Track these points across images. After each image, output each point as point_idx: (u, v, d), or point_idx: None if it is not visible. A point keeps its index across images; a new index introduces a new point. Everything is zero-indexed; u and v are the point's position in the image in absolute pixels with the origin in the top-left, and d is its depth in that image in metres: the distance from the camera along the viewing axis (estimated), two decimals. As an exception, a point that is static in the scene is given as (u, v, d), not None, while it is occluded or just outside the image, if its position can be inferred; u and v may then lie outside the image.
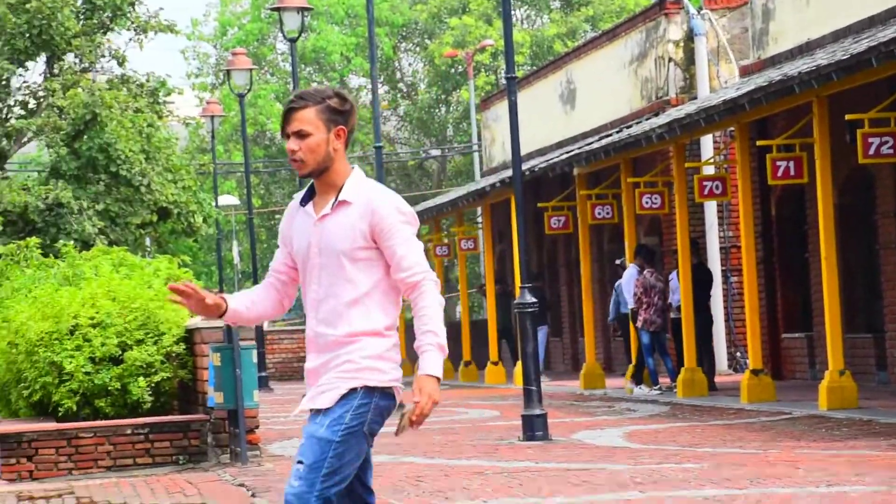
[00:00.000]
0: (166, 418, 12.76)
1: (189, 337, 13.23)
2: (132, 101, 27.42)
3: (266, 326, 31.58)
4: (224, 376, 12.06)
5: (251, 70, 27.37)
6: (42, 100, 27.81)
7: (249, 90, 27.91)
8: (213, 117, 33.70)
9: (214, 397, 12.17)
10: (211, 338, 12.55)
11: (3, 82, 27.47)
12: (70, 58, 28.26)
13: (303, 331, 30.22)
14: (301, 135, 4.87)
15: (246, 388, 12.06)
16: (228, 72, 27.50)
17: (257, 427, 12.57)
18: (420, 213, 30.60)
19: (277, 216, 47.94)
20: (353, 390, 4.81)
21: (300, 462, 4.77)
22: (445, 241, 30.71)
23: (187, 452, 12.45)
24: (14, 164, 30.17)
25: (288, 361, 32.17)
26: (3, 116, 28.00)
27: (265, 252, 46.03)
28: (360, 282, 4.88)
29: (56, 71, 28.03)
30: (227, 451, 12.48)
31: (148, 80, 28.93)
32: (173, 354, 13.12)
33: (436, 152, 47.37)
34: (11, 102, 28.15)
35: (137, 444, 12.39)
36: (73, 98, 26.19)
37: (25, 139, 28.86)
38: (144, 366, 12.83)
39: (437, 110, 47.79)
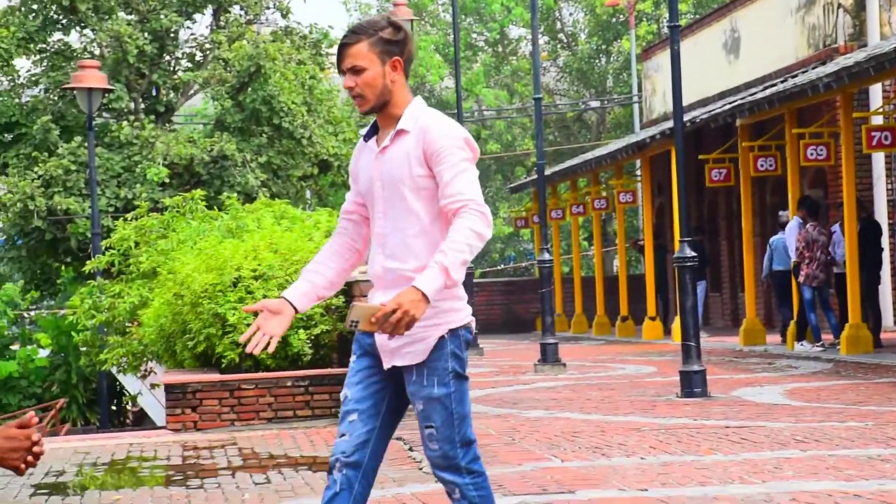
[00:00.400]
0: (325, 371, 12.90)
1: (348, 289, 13.34)
2: (295, 53, 27.70)
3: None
4: (380, 329, 12.12)
5: (412, 21, 27.38)
6: (208, 52, 28.24)
7: (409, 42, 27.93)
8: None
9: (371, 350, 12.25)
10: (369, 290, 12.62)
11: (172, 35, 27.95)
12: (236, 10, 28.64)
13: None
14: (356, 70, 4.73)
15: (403, 342, 12.12)
16: (388, 24, 27.55)
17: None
18: (579, 166, 30.39)
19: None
20: (441, 338, 4.68)
21: (429, 426, 4.67)
22: (604, 194, 30.48)
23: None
24: (180, 117, 30.71)
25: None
26: (171, 69, 28.51)
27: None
28: (422, 212, 4.73)
29: (222, 23, 28.43)
30: (384, 404, 12.57)
31: (311, 32, 29.19)
32: (332, 307, 13.25)
33: (595, 104, 47.00)
34: (179, 55, 28.64)
35: (297, 396, 12.55)
36: (238, 50, 26.53)
37: (192, 92, 29.37)
38: (304, 318, 12.98)
39: (597, 61, 47.39)
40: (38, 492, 8.92)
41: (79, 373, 24.24)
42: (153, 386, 19.11)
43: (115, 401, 24.39)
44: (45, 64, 27.88)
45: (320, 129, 27.26)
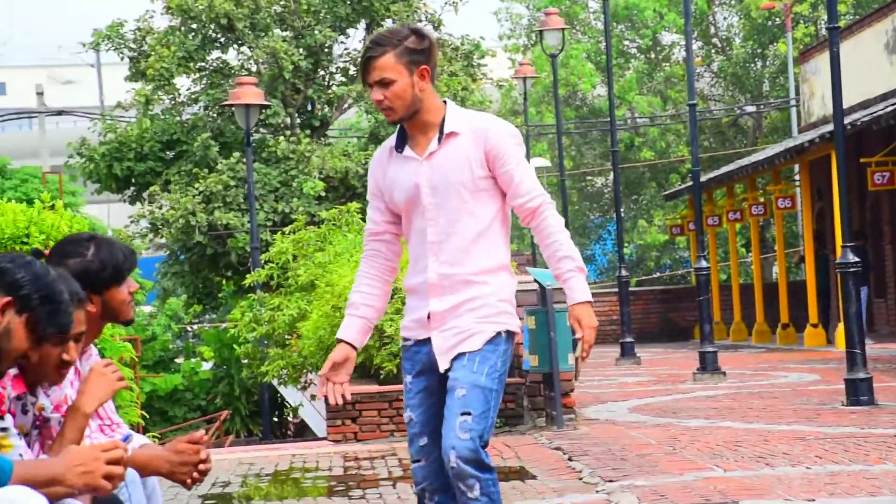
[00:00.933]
0: (483, 380, 12.90)
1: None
2: (447, 65, 27.83)
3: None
4: (538, 339, 12.09)
5: (563, 30, 27.31)
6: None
7: (562, 50, 27.88)
8: (525, 79, 33.86)
9: (529, 360, 12.22)
10: (525, 301, 12.60)
11: (326, 50, 28.29)
12: (388, 23, 28.87)
13: (614, 293, 30.05)
14: (384, 83, 4.63)
15: (561, 352, 12.06)
16: (541, 32, 27.51)
17: (572, 390, 12.57)
18: (735, 172, 29.99)
19: (589, 178, 47.91)
20: (497, 334, 4.65)
21: (466, 413, 4.57)
22: (761, 199, 30.02)
23: (503, 415, 12.56)
24: (335, 131, 31.06)
25: (600, 325, 32.05)
26: (325, 83, 28.86)
27: (576, 214, 46.08)
28: (481, 214, 4.68)
29: (374, 38, 28.68)
30: (542, 415, 12.53)
31: (462, 44, 29.28)
32: (489, 317, 13.25)
33: (751, 108, 46.35)
34: (333, 69, 28.97)
35: (455, 405, 12.55)
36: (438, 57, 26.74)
37: (346, 105, 29.68)
38: (461, 329, 12.99)
39: (752, 65, 46.75)
40: (206, 502, 9.07)
41: (241, 385, 24.64)
42: (313, 397, 19.32)
43: (276, 412, 24.73)
44: (204, 82, 28.42)
45: (473, 141, 27.32)
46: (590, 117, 46.22)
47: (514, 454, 10.69)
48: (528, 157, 33.02)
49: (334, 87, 28.54)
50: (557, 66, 29.80)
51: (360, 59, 4.76)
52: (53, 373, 4.13)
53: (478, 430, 4.57)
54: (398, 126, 4.76)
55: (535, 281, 12.39)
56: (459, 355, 4.62)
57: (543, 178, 42.58)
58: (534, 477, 9.37)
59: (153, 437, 13.88)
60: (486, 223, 4.68)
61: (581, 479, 9.06)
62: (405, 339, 4.80)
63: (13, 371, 4.13)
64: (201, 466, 4.56)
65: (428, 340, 4.71)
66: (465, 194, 4.65)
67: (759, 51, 46.68)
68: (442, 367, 4.66)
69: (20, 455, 4.06)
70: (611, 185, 45.02)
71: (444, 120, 4.68)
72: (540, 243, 4.73)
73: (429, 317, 4.70)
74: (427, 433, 4.72)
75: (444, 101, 4.73)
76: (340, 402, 4.78)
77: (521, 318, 12.35)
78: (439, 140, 4.67)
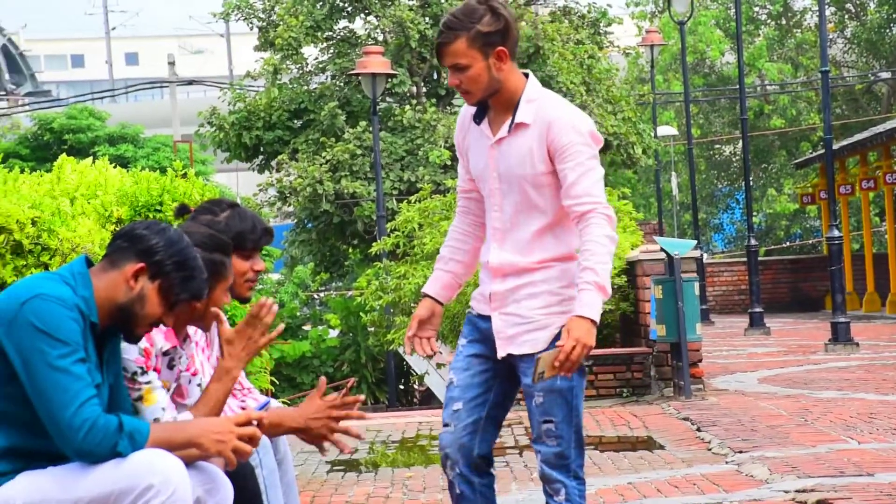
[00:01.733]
0: (609, 351, 12.82)
1: (630, 269, 13.22)
2: (574, 33, 27.62)
3: (706, 259, 31.27)
4: (666, 309, 11.98)
5: (691, -3, 26.96)
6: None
7: (690, 17, 27.53)
8: (652, 46, 33.52)
9: (657, 330, 12.12)
10: (653, 270, 12.49)
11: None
12: (514, -9, 28.75)
13: (742, 262, 29.66)
14: (458, 68, 4.42)
15: (688, 321, 11.94)
16: None
17: (700, 361, 12.44)
18: (869, 139, 29.41)
19: (717, 146, 47.30)
20: (563, 326, 4.40)
21: (549, 420, 4.43)
22: (896, 167, 29.39)
23: (630, 385, 12.48)
24: (460, 100, 31.08)
25: (728, 294, 31.80)
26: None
27: (704, 183, 45.54)
28: (547, 208, 4.46)
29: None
30: (669, 385, 12.43)
31: (589, 12, 29.05)
32: (615, 287, 13.16)
33: (885, 75, 45.36)
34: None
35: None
36: (521, 31, 26.63)
37: (471, 74, 29.59)
38: (587, 297, 12.91)
39: (887, 30, 45.72)
40: (334, 468, 9.14)
41: (367, 352, 24.80)
42: (439, 366, 19.39)
43: (402, 380, 24.87)
44: (331, 51, 28.57)
45: (599, 109, 27.12)
46: (718, 85, 45.62)
47: (641, 424, 10.61)
48: (654, 125, 32.59)
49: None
50: (685, 34, 29.43)
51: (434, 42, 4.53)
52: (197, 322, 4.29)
53: (565, 436, 4.45)
54: None
55: (663, 250, 12.27)
56: (525, 357, 4.45)
57: (671, 147, 42.20)
58: (662, 447, 9.29)
59: (282, 402, 13.99)
60: (552, 217, 4.48)
61: (710, 449, 8.97)
62: (470, 308, 4.67)
63: (163, 327, 4.21)
64: (337, 425, 4.45)
65: (489, 318, 4.57)
66: (528, 188, 4.46)
67: (894, 16, 45.64)
68: (500, 354, 4.50)
69: (163, 409, 4.13)
70: (739, 153, 44.44)
71: (518, 105, 4.47)
72: (580, 249, 4.47)
73: (490, 296, 4.55)
74: (464, 399, 4.55)
75: (528, 79, 4.51)
76: (429, 353, 4.64)
77: (648, 288, 12.26)
78: (510, 128, 4.48)
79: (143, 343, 4.14)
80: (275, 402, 4.78)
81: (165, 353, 4.29)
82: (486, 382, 4.55)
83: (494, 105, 4.51)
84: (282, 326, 4.52)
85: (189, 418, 4.16)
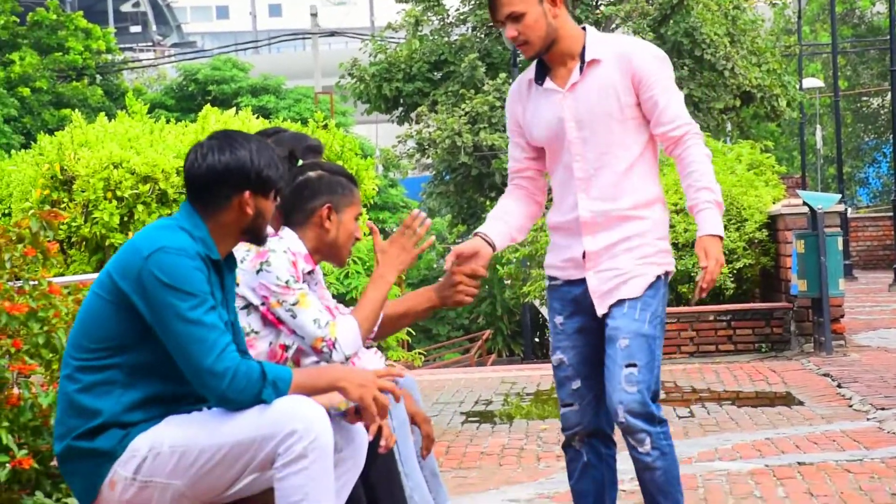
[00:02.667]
0: (749, 305, 12.68)
1: (772, 223, 13.05)
2: (718, -16, 27.22)
3: (850, 213, 30.69)
4: (808, 264, 11.80)
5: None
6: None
7: (838, -32, 26.90)
8: (800, -3, 32.85)
9: (798, 285, 11.95)
10: (795, 224, 12.30)
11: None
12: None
13: (888, 217, 29.05)
14: (514, 17, 4.34)
15: (831, 276, 11.75)
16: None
17: (842, 316, 12.25)
18: None
19: (864, 98, 46.32)
20: (657, 277, 4.41)
21: (632, 364, 4.33)
22: None
23: (769, 340, 12.34)
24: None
25: (872, 249, 31.18)
26: (594, 3, 28.61)
27: (849, 136, 44.67)
28: (632, 144, 4.40)
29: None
30: (810, 340, 12.25)
31: (734, -38, 28.59)
32: (756, 241, 12.99)
33: None
34: (601, -10, 28.69)
35: (720, 330, 12.40)
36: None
37: (613, 25, 29.38)
38: (727, 252, 12.78)
39: None
40: (469, 419, 9.19)
41: (503, 305, 24.87)
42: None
43: (537, 333, 24.90)
44: (472, 2, 28.53)
45: (743, 61, 26.71)
46: (868, 36, 44.61)
47: (780, 379, 10.49)
48: (800, 77, 31.89)
49: (602, 7, 28.26)
50: (833, -16, 28.78)
51: None
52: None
53: (646, 382, 4.35)
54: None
55: (806, 204, 12.07)
56: (619, 302, 4.40)
57: (816, 99, 41.45)
58: (801, 403, 9.18)
59: (418, 352, 14.14)
60: (637, 153, 4.42)
61: (851, 406, 8.83)
62: (552, 279, 4.58)
63: (303, 249, 4.33)
64: (464, 278, 4.46)
65: (581, 281, 4.48)
66: (613, 125, 4.38)
67: None
68: (600, 311, 4.43)
69: (320, 311, 4.22)
70: (888, 105, 43.44)
71: (584, 48, 4.41)
72: (680, 173, 4.43)
73: (584, 256, 4.46)
74: (582, 376, 4.51)
75: (584, 28, 4.46)
76: (471, 294, 4.49)
77: (790, 243, 12.09)
78: (581, 69, 4.40)
79: (290, 256, 4.26)
80: (408, 380, 4.78)
81: (310, 273, 4.39)
82: (596, 355, 4.50)
83: (554, 58, 4.43)
84: (432, 239, 4.58)
85: (349, 324, 4.24)
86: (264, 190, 3.90)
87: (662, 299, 4.45)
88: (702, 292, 4.33)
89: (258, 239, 3.97)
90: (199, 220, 3.87)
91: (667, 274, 4.48)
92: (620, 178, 4.41)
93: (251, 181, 3.86)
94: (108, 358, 3.79)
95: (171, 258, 3.75)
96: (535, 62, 4.49)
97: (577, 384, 4.53)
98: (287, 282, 4.21)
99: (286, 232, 4.38)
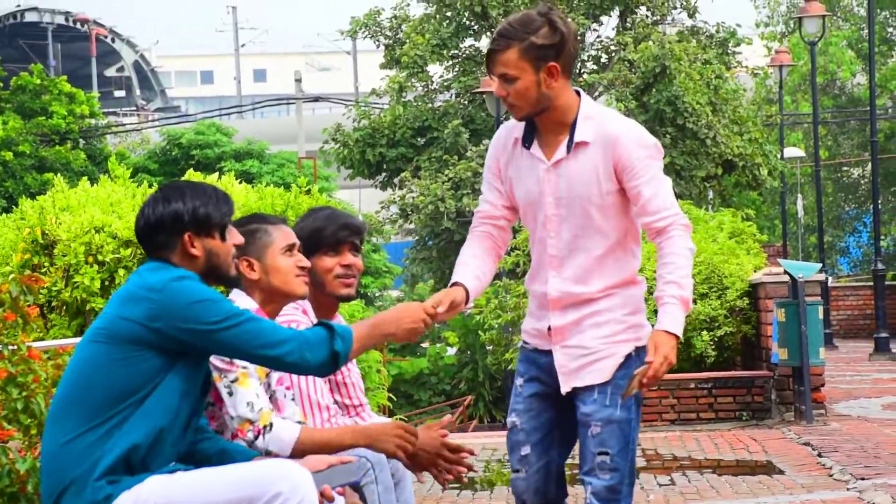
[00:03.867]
0: (730, 373, 12.68)
1: (753, 291, 13.08)
2: (701, 53, 27.44)
3: (831, 282, 30.77)
4: (789, 332, 11.82)
5: (824, 17, 26.60)
6: (613, 54, 28.37)
7: (821, 38, 27.18)
8: (781, 67, 33.17)
9: (779, 353, 11.96)
10: (776, 293, 12.33)
11: (579, 38, 28.25)
12: (643, 11, 28.65)
13: (868, 286, 29.11)
14: (507, 79, 4.20)
15: (812, 345, 11.76)
16: (800, 19, 26.87)
17: (823, 385, 12.25)
18: None
19: (845, 168, 46.60)
20: (628, 356, 4.26)
21: (604, 453, 4.23)
22: None
23: (750, 408, 12.33)
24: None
25: (853, 318, 31.27)
26: (577, 71, 28.83)
27: (830, 206, 44.89)
28: (609, 231, 4.26)
29: (628, 25, 28.50)
30: (791, 409, 12.25)
31: (717, 31, 28.85)
32: (737, 309, 13.02)
33: None
34: (585, 57, 28.90)
35: (701, 398, 12.39)
36: (644, 51, 26.50)
37: (596, 94, 29.58)
38: (708, 320, 12.80)
39: None
40: (450, 486, 9.15)
41: (485, 371, 24.82)
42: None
43: (520, 399, 24.83)
44: (456, 69, 28.71)
45: (725, 129, 26.89)
46: (848, 106, 44.98)
47: (760, 448, 10.48)
48: (781, 146, 32.04)
49: (585, 75, 28.47)
50: (816, 54, 29.09)
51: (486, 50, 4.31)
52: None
53: (620, 470, 4.26)
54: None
55: (787, 273, 12.11)
56: (588, 388, 4.28)
57: (797, 168, 41.69)
58: (781, 472, 9.16)
59: (399, 419, 14.09)
60: (615, 239, 4.28)
61: (832, 475, 8.82)
62: (524, 342, 4.47)
63: (254, 305, 4.31)
64: (461, 468, 4.49)
65: (549, 352, 4.37)
66: (591, 209, 4.25)
67: None
68: (564, 389, 4.31)
69: (256, 395, 4.20)
70: (868, 175, 43.71)
71: (574, 123, 4.25)
72: (657, 262, 4.26)
73: (549, 329, 4.35)
74: (531, 443, 4.39)
75: (578, 94, 4.31)
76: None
77: (771, 311, 12.10)
78: (568, 148, 4.27)
79: None
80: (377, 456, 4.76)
81: None
82: (550, 422, 4.39)
83: (544, 125, 4.30)
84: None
85: (291, 429, 4.21)
86: (206, 229, 3.94)
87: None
88: (641, 387, 4.16)
89: (224, 279, 4.01)
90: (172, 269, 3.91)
91: (637, 349, 4.31)
92: (594, 263, 4.28)
93: (185, 223, 3.92)
94: (99, 415, 3.78)
95: (187, 282, 3.83)
96: (528, 122, 4.35)
97: (526, 450, 4.41)
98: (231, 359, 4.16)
99: (235, 294, 4.38)
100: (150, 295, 3.80)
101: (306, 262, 4.41)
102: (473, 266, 4.42)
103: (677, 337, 4.15)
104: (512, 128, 4.40)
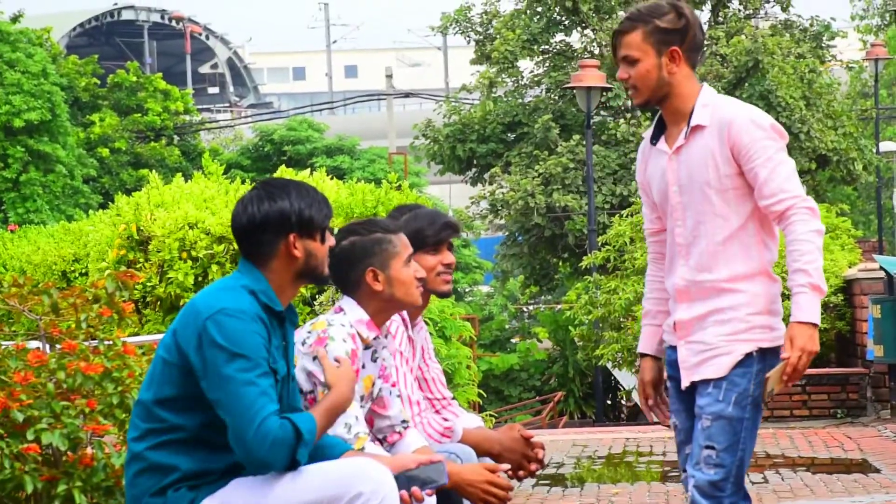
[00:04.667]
0: (824, 371, 12.55)
1: (847, 287, 12.92)
2: (795, 47, 27.16)
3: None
4: (884, 329, 11.66)
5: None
6: (706, 48, 28.14)
7: (915, 31, 26.73)
8: (877, 60, 32.71)
9: (874, 350, 11.81)
10: (871, 289, 12.18)
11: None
12: (735, 5, 28.40)
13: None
14: (629, 60, 4.28)
15: (908, 343, 11.60)
16: None
17: (920, 382, 12.08)
18: None
19: (944, 162, 45.81)
20: (748, 355, 4.21)
21: (710, 447, 4.20)
22: None
23: (845, 406, 12.19)
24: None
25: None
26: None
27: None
28: (732, 215, 4.23)
29: (720, 19, 28.27)
30: (886, 406, 12.09)
31: (811, 25, 28.52)
32: (831, 305, 12.87)
33: None
34: (674, 53, 28.70)
35: (794, 395, 12.26)
36: (736, 45, 26.28)
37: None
38: (802, 316, 12.67)
39: None
40: (540, 482, 9.14)
41: (575, 367, 24.75)
42: (648, 381, 19.22)
43: (610, 395, 24.74)
44: (546, 64, 28.63)
45: (819, 124, 26.58)
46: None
47: (856, 446, 10.35)
48: (877, 140, 31.57)
49: (676, 70, 28.28)
50: (911, 47, 28.65)
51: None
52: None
53: (726, 467, 4.21)
54: (657, 115, 4.43)
55: (882, 268, 11.95)
56: (704, 382, 4.27)
57: (893, 163, 41.11)
58: (877, 470, 9.04)
59: (489, 415, 14.11)
60: (738, 224, 4.26)
61: (928, 473, 8.70)
62: (665, 341, 4.49)
63: (364, 316, 4.30)
64: (532, 466, 4.59)
65: (675, 348, 4.38)
66: (710, 194, 4.26)
67: None
68: (684, 383, 4.33)
69: (356, 418, 4.20)
70: (966, 170, 42.93)
71: (693, 110, 4.30)
72: (786, 249, 4.24)
73: (675, 325, 4.37)
74: (691, 441, 4.36)
75: (702, 86, 4.35)
76: (670, 424, 4.46)
77: (866, 307, 11.95)
78: (686, 134, 4.30)
79: (349, 345, 4.22)
80: (476, 420, 4.81)
81: (367, 347, 4.35)
82: None
83: (667, 116, 4.37)
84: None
85: (378, 449, 4.25)
86: (309, 231, 3.92)
87: (755, 377, 4.25)
88: (782, 384, 4.17)
89: (318, 279, 3.99)
90: (258, 273, 3.90)
91: (762, 350, 4.26)
92: (717, 249, 4.27)
93: (292, 224, 3.89)
94: (175, 419, 3.82)
95: (231, 321, 3.77)
96: (655, 120, 4.43)
97: (689, 449, 4.38)
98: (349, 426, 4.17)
99: (346, 302, 4.38)
100: (194, 320, 3.80)
101: (423, 273, 4.45)
102: (654, 312, 4.50)
103: (814, 325, 4.13)
104: (646, 133, 4.49)
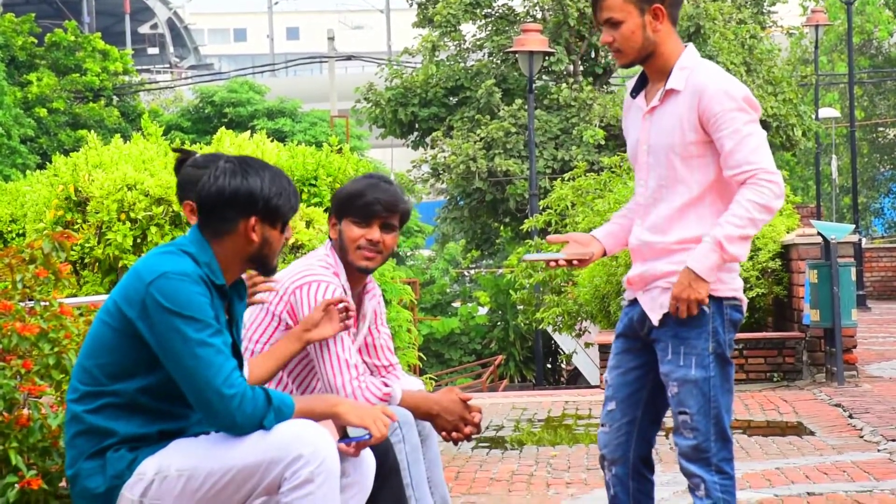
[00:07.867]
0: (761, 335, 12.66)
1: (785, 253, 13.04)
2: (736, 12, 27.27)
3: (864, 243, 30.63)
4: (821, 294, 11.78)
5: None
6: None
7: (855, -2, 26.93)
8: (817, 27, 32.92)
9: (810, 315, 11.93)
10: (808, 254, 12.29)
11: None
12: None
13: (905, 248, 28.96)
14: (612, 23, 4.23)
15: (844, 307, 11.72)
16: (833, -20, 26.63)
17: (854, 347, 12.21)
18: None
19: (880, 129, 46.28)
20: (701, 311, 4.19)
21: (683, 412, 4.23)
22: None
23: (781, 370, 12.31)
24: (617, 79, 30.83)
25: (887, 280, 31.11)
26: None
27: (865, 167, 44.62)
28: (693, 183, 4.21)
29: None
30: (822, 371, 12.23)
31: (752, -9, 28.66)
32: (769, 270, 12.97)
33: None
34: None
35: (735, 359, 12.35)
36: (682, 9, 26.37)
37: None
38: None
39: None
40: (480, 445, 9.18)
41: (516, 331, 24.86)
42: (587, 345, 19.36)
43: (550, 359, 24.88)
44: (489, 28, 28.61)
45: (759, 90, 26.74)
46: (885, 66, 44.61)
47: (791, 409, 10.47)
48: (816, 107, 31.75)
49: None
50: (853, 14, 28.86)
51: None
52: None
53: (702, 429, 4.25)
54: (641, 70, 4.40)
55: (820, 234, 12.06)
56: (662, 346, 4.25)
57: (832, 129, 41.43)
58: (812, 433, 9.15)
59: (430, 378, 14.15)
60: (697, 193, 4.22)
61: (862, 437, 8.81)
62: (624, 299, 4.51)
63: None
64: (467, 429, 4.62)
65: (635, 302, 4.38)
66: (674, 159, 4.22)
67: None
68: (654, 319, 4.28)
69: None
70: (903, 137, 43.36)
71: (671, 71, 4.25)
72: None
73: (628, 281, 4.39)
74: (617, 399, 4.40)
75: (686, 46, 4.31)
76: (563, 265, 4.53)
77: (803, 273, 12.07)
78: (661, 96, 4.25)
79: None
80: (417, 383, 4.84)
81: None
82: (639, 379, 4.39)
83: (650, 73, 4.32)
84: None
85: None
86: (272, 219, 3.89)
87: (710, 333, 4.25)
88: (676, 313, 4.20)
89: (266, 268, 3.96)
90: (206, 245, 3.88)
91: (714, 301, 4.24)
92: (674, 215, 4.26)
93: (258, 207, 3.87)
94: (117, 383, 3.81)
95: (174, 283, 3.75)
96: (640, 74, 4.38)
97: (611, 406, 4.42)
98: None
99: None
100: (137, 285, 3.78)
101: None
102: (623, 217, 4.53)
103: (697, 275, 4.14)
104: (629, 83, 4.44)
